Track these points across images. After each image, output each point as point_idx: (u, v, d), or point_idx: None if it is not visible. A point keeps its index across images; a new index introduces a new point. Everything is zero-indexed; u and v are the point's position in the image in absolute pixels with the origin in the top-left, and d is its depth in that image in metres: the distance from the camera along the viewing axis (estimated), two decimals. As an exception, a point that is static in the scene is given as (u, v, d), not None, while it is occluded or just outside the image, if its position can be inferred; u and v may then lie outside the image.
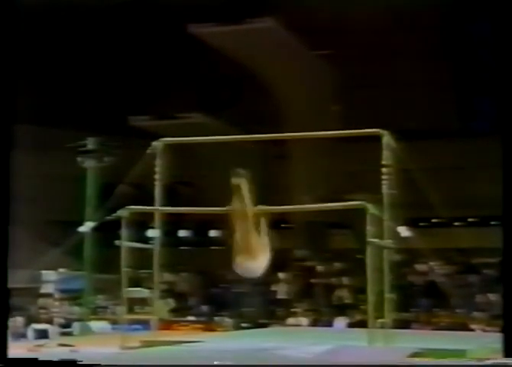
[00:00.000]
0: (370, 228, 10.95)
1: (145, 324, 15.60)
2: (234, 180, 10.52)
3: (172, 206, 15.03)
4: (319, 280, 27.44)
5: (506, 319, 8.85)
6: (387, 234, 11.53)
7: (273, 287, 27.77)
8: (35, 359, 8.83)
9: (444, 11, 29.71)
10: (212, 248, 32.73)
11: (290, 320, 24.52)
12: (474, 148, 26.36)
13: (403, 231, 17.05)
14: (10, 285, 8.46)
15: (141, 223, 16.12)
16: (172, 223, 21.71)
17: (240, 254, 10.31)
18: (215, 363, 9.49)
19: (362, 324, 15.78)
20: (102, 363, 8.72)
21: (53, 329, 21.40)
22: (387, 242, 11.60)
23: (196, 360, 9.99)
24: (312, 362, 9.99)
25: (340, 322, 23.80)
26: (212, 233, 33.11)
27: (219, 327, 24.43)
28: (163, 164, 12.23)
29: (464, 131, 29.42)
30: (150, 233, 14.12)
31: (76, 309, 24.50)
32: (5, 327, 8.37)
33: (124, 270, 12.10)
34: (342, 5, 28.71)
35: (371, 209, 10.99)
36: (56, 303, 24.40)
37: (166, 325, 20.21)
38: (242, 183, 10.45)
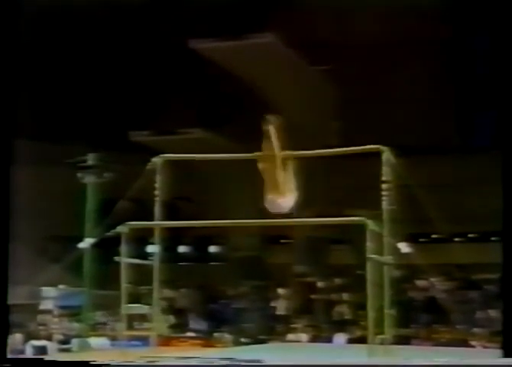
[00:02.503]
0: (370, 244, 10.92)
1: (144, 340, 15.54)
2: (265, 126, 11.52)
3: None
4: (318, 295, 27.40)
5: (505, 333, 8.84)
6: (387, 250, 11.51)
7: (273, 303, 27.73)
8: (40, 359, 8.82)
9: (444, 28, 29.82)
10: (212, 263, 32.73)
11: (290, 336, 24.46)
12: (474, 164, 26.37)
13: (403, 247, 17.05)
14: (9, 301, 8.45)
15: (141, 239, 16.11)
16: (172, 239, 21.71)
17: (269, 192, 11.50)
18: None
19: (362, 340, 15.75)
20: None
21: (52, 346, 21.35)
22: (387, 258, 11.58)
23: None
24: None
25: (340, 338, 23.73)
26: (212, 249, 33.13)
27: (218, 343, 24.36)
28: (162, 179, 12.23)
29: (464, 147, 29.48)
30: (150, 249, 14.10)
31: (76, 325, 24.43)
32: (6, 327, 8.35)
33: (124, 286, 12.07)
34: (342, 21, 28.87)
35: (371, 224, 10.97)
36: (56, 319, 24.38)
37: (165, 341, 20.14)
38: (272, 128, 11.58)
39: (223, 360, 10.75)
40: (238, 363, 9.86)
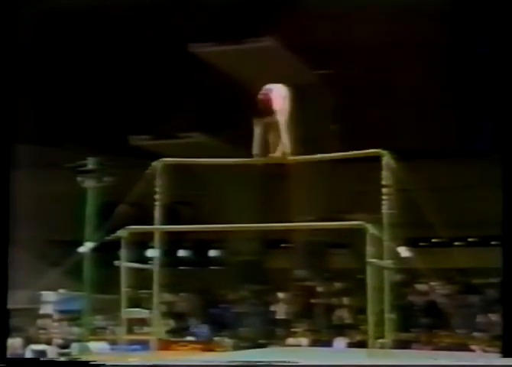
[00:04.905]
0: (369, 248, 10.91)
1: (144, 344, 15.53)
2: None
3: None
4: (318, 300, 27.39)
5: (505, 338, 8.83)
6: (387, 254, 11.50)
7: (273, 307, 27.71)
8: (36, 360, 8.82)
9: (444, 32, 29.82)
10: (212, 267, 32.73)
11: (290, 340, 24.43)
12: (474, 168, 26.38)
13: (403, 251, 17.02)
14: (9, 306, 8.43)
15: (141, 243, 16.09)
16: (172, 243, 21.75)
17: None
18: None
19: (362, 344, 15.73)
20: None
21: (51, 350, 21.33)
22: (387, 262, 11.56)
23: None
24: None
25: (340, 342, 23.71)
26: (212, 253, 33.14)
27: (219, 347, 24.34)
28: (162, 183, 12.22)
29: (464, 151, 29.48)
30: (150, 253, 14.10)
31: (75, 329, 24.42)
32: (6, 331, 8.34)
33: (124, 290, 12.05)
34: (343, 25, 28.85)
35: (371, 229, 10.96)
36: (55, 323, 24.36)
37: (165, 345, 20.15)
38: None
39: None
40: (240, 364, 9.83)
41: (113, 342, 20.83)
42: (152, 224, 12.39)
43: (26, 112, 15.84)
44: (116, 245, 12.05)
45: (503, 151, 10.17)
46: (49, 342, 22.50)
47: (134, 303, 17.43)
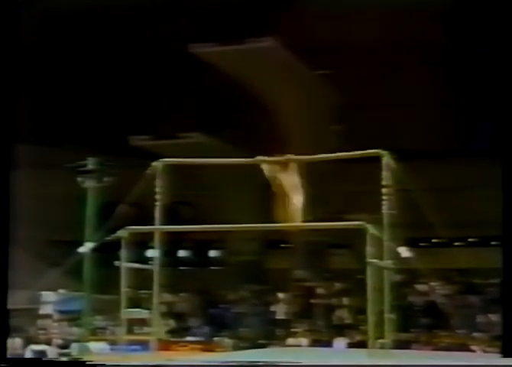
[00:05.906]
0: (370, 249, 10.91)
1: (144, 345, 15.53)
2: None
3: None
4: (318, 300, 27.38)
5: (505, 338, 8.84)
6: (387, 254, 11.49)
7: (273, 308, 27.71)
8: (38, 359, 8.84)
9: (445, 33, 29.85)
10: (212, 268, 32.74)
11: (290, 341, 24.42)
12: (474, 169, 26.38)
13: (404, 251, 17.02)
14: (9, 306, 8.43)
15: (141, 243, 16.08)
16: (172, 243, 21.76)
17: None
18: None
19: (362, 344, 15.73)
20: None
21: (51, 350, 21.32)
22: (387, 263, 11.56)
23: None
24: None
25: (340, 342, 23.70)
26: (212, 253, 33.15)
27: (219, 348, 24.33)
28: (162, 184, 12.21)
29: (464, 152, 29.49)
30: (150, 253, 14.11)
31: (75, 330, 24.41)
32: (6, 331, 8.34)
33: (124, 290, 12.05)
34: (343, 25, 28.88)
35: (371, 229, 10.96)
36: (55, 324, 24.35)
37: (165, 345, 20.13)
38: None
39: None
40: (240, 364, 9.85)
41: (113, 343, 20.83)
42: (152, 224, 12.38)
43: (26, 112, 15.84)
44: (116, 245, 12.04)
45: (503, 151, 10.18)
46: (49, 343, 22.49)
47: (134, 303, 17.44)
